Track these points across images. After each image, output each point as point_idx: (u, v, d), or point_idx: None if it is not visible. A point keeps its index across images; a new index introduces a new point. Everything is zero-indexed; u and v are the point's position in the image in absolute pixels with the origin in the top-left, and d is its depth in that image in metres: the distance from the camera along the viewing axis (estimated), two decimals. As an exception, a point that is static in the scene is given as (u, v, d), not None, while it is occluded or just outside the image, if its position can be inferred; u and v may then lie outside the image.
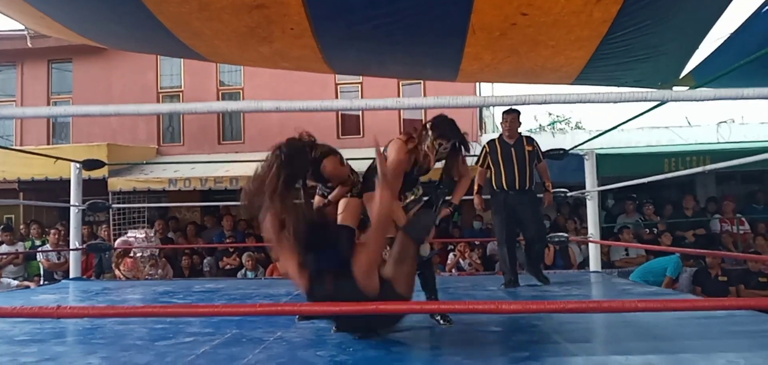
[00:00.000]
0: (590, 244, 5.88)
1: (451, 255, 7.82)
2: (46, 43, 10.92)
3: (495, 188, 4.79)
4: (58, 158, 5.73)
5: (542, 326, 2.99)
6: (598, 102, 1.57)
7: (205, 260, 8.23)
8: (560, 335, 2.78)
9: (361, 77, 11.32)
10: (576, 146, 5.90)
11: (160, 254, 7.45)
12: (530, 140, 4.90)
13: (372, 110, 2.90)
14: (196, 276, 7.82)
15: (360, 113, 11.70)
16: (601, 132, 5.70)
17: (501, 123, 4.95)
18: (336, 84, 11.54)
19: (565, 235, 6.17)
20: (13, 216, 10.97)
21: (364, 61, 5.11)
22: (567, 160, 6.05)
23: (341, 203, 3.22)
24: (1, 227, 8.66)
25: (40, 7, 4.16)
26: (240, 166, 9.40)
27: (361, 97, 11.63)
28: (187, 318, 3.29)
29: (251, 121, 11.64)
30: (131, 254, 6.95)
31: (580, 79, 4.90)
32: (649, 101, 3.91)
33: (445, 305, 2.53)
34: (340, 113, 11.71)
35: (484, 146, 4.95)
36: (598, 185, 5.88)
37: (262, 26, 4.02)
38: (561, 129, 15.87)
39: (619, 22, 3.60)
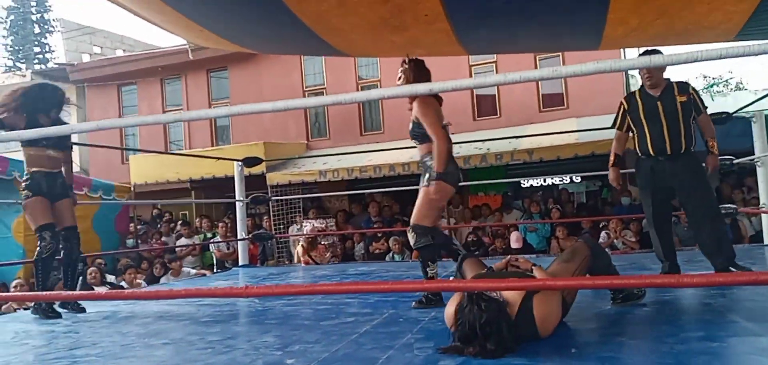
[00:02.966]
0: (763, 215, 5.31)
1: (603, 234, 7.45)
2: (205, 54, 12.13)
3: (639, 154, 3.78)
4: (221, 159, 6.34)
5: (714, 304, 2.78)
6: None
7: (357, 246, 8.64)
8: (736, 313, 2.56)
9: (495, 56, 11.14)
10: (741, 108, 5.34)
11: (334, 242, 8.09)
12: (684, 86, 3.77)
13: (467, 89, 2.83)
14: (347, 261, 8.24)
15: (496, 91, 11.51)
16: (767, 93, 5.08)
17: (640, 73, 3.89)
18: (470, 66, 11.46)
19: (734, 206, 5.62)
20: (187, 213, 12.30)
21: (498, 39, 5.04)
22: (730, 124, 5.47)
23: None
24: (180, 222, 9.79)
25: (198, 20, 4.62)
26: (381, 154, 9.74)
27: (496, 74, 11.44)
28: (347, 299, 3.52)
29: (389, 111, 11.95)
30: (321, 242, 7.57)
31: (742, 35, 4.41)
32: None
33: (627, 279, 2.42)
34: (475, 93, 11.62)
35: (621, 103, 3.90)
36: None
37: (396, 16, 4.13)
38: (720, 91, 14.37)
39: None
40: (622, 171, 4.09)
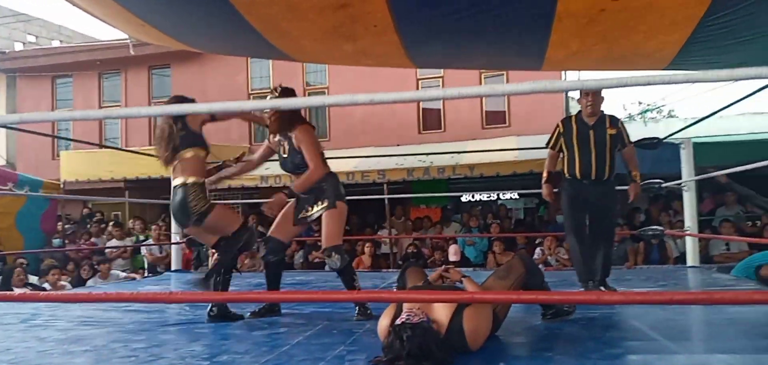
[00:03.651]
0: (687, 238, 5.58)
1: (538, 250, 7.65)
2: (147, 50, 11.75)
3: (567, 175, 4.09)
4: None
5: (636, 323, 2.88)
6: (695, 82, 1.47)
7: (295, 255, 8.52)
8: (657, 331, 2.66)
9: (442, 71, 11.31)
10: (671, 134, 5.61)
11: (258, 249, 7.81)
12: (615, 120, 4.12)
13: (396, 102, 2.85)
14: (286, 269, 8.10)
15: (441, 106, 11.67)
16: (697, 119, 5.32)
17: (578, 100, 4.19)
18: (417, 79, 11.58)
19: (660, 228, 5.88)
20: (120, 213, 11.82)
21: (446, 54, 5.09)
22: (661, 150, 5.74)
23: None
24: (112, 223, 9.39)
25: (140, 14, 4.46)
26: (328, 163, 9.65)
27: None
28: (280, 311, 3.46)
29: (336, 119, 11.91)
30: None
31: (674, 65, 4.63)
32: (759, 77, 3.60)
33: (542, 295, 2.47)
34: (421, 107, 11.75)
35: (557, 125, 4.20)
36: (696, 175, 5.56)
37: (346, 25, 4.11)
38: (653, 118, 15.07)
39: (719, 1, 3.38)
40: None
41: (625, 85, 1.36)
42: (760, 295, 1.80)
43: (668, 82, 1.35)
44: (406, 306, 2.29)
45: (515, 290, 2.65)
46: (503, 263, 4.03)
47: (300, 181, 3.36)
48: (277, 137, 3.52)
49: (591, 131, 4.01)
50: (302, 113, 3.80)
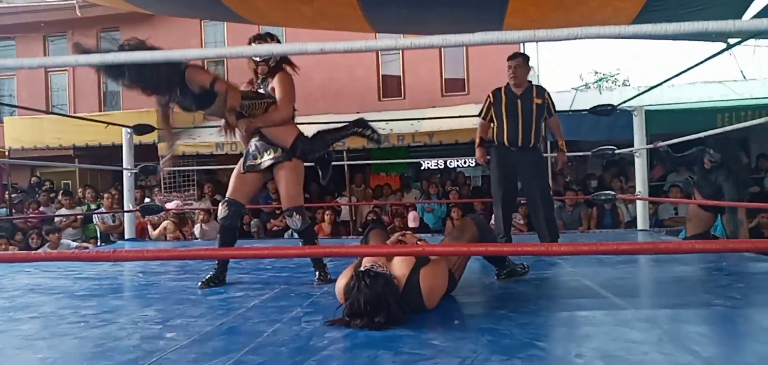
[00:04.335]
0: (638, 202, 5.75)
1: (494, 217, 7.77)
2: (95, 12, 11.28)
3: (495, 142, 4.40)
4: (110, 124, 5.93)
5: (588, 282, 2.96)
6: (652, 38, 1.49)
7: (252, 222, 8.42)
8: (607, 289, 2.75)
9: (402, 37, 11.23)
10: (624, 101, 5.74)
11: (209, 217, 7.68)
12: (541, 90, 4.40)
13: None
14: (243, 238, 8.03)
15: (401, 74, 11.62)
16: (650, 87, 5.46)
17: (508, 70, 4.41)
18: (378, 49, 11.47)
19: (612, 193, 6.04)
20: (70, 182, 11.44)
21: (404, 18, 5.04)
22: (615, 117, 5.89)
23: None
24: (61, 191, 9.08)
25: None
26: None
27: (402, 56, 11.55)
28: (237, 275, 3.41)
29: (295, 86, 11.72)
30: (192, 218, 7.14)
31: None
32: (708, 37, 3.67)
33: (492, 247, 2.50)
34: (381, 75, 11.68)
35: (488, 96, 4.49)
36: (647, 143, 5.72)
37: (303, -16, 4.03)
38: (609, 87, 15.39)
39: (671, -33, 3.44)
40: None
41: (576, 38, 1.37)
42: (702, 244, 1.87)
43: (617, 37, 1.36)
44: (366, 260, 2.31)
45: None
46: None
47: (261, 116, 3.19)
48: (255, 87, 3.34)
49: (519, 101, 4.28)
50: None
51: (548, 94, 4.43)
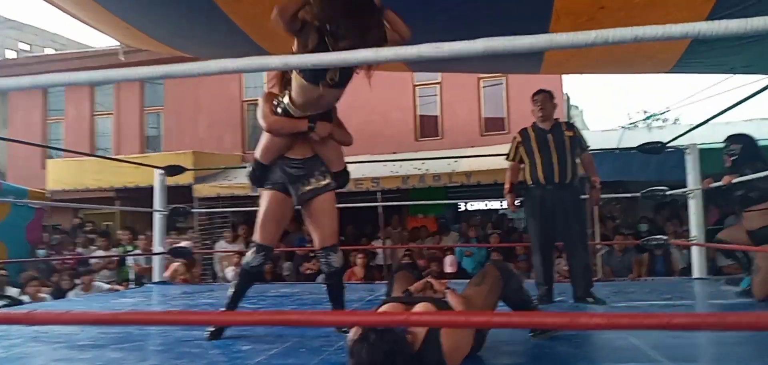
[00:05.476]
0: (693, 248, 5.31)
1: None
2: (138, 58, 11.53)
3: (530, 182, 4.04)
4: (142, 165, 5.91)
5: (636, 341, 2.61)
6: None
7: (285, 265, 8.26)
8: (659, 351, 2.40)
9: (439, 76, 11.08)
10: (675, 138, 5.36)
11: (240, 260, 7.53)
12: (570, 125, 4.18)
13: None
14: (276, 281, 7.85)
15: (438, 114, 11.43)
16: (702, 122, 5.05)
17: (532, 110, 4.16)
18: (414, 85, 11.36)
19: (665, 237, 5.61)
20: (111, 223, 11.58)
21: (442, 58, 4.88)
22: (665, 156, 5.51)
23: None
24: (98, 233, 9.14)
25: (123, 16, 4.24)
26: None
27: (440, 95, 11.37)
28: (250, 325, 3.18)
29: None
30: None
31: (679, 67, 4.41)
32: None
33: (498, 318, 2.10)
34: (418, 115, 11.52)
35: (515, 137, 4.19)
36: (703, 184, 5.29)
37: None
38: (659, 126, 14.75)
39: (723, 1, 3.15)
40: None
41: (604, 43, 1.14)
42: None
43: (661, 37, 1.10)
44: (387, 307, 2.05)
45: (494, 296, 2.46)
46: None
47: (340, 129, 2.95)
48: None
49: (549, 135, 4.00)
50: None
51: (577, 129, 4.17)
